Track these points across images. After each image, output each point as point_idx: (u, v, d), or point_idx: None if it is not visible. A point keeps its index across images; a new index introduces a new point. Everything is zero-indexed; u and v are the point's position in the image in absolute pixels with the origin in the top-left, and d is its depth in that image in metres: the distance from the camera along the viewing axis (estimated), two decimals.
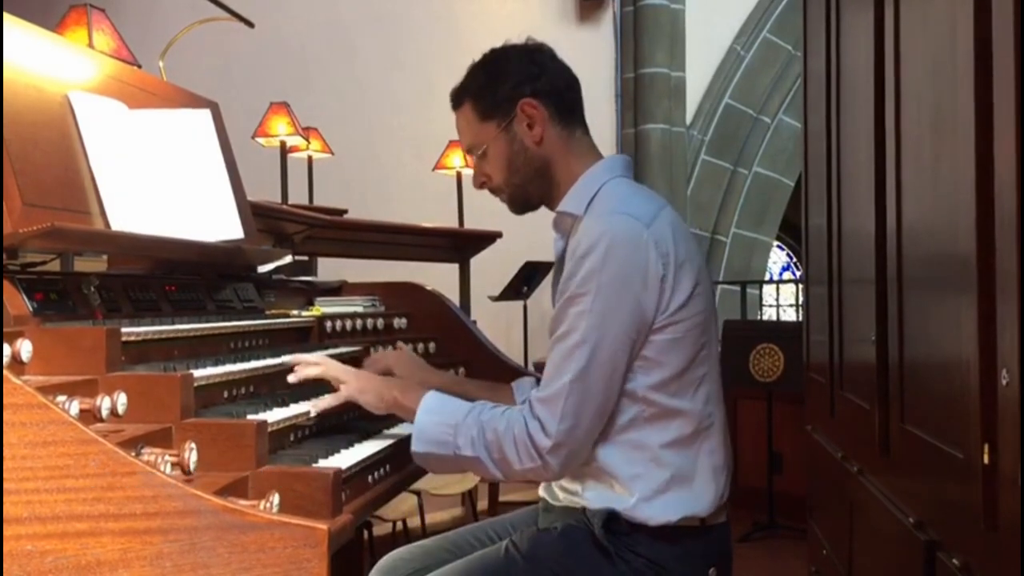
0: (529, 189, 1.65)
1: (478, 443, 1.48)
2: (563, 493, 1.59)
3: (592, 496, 1.53)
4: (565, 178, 1.63)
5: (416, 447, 1.51)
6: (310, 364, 1.59)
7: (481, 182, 1.69)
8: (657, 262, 1.46)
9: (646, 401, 1.50)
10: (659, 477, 1.50)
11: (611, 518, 1.50)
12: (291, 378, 1.57)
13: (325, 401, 1.55)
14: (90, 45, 2.23)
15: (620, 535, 1.51)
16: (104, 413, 1.10)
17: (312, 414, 1.52)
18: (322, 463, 1.35)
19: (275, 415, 1.40)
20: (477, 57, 1.68)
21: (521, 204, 1.69)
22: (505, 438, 1.47)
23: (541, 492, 1.67)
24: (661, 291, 1.46)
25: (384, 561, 1.75)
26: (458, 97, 1.67)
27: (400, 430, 1.66)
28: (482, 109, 1.63)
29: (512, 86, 1.61)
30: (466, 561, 1.60)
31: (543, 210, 1.71)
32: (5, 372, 0.91)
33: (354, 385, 1.58)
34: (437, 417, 1.51)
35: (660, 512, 1.50)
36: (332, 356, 1.78)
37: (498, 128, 1.62)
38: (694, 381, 1.53)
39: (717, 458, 1.56)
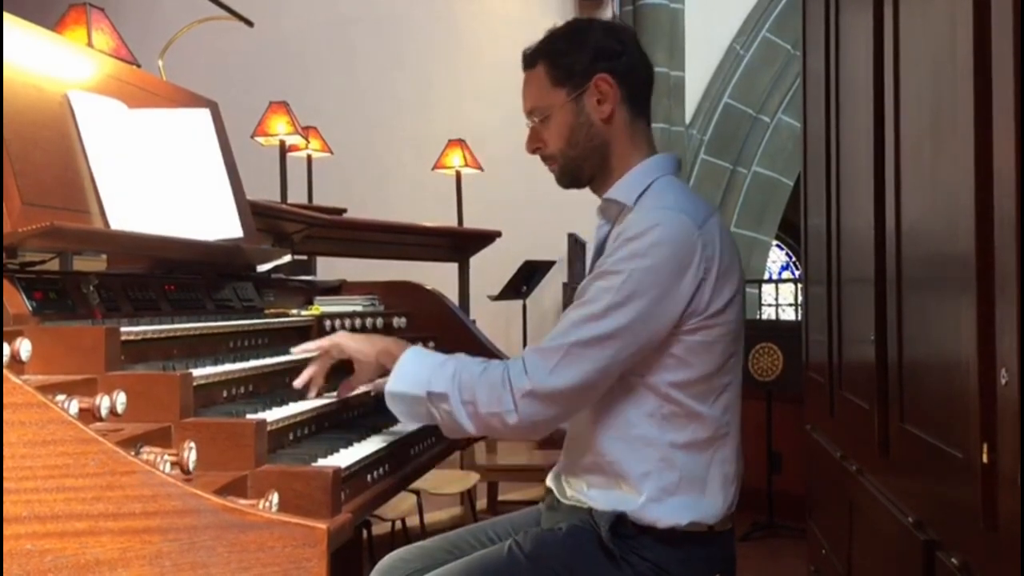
0: (584, 165, 1.63)
1: (452, 381, 1.49)
2: (571, 490, 1.59)
3: (600, 496, 1.54)
4: (620, 164, 1.61)
5: (390, 386, 1.53)
6: (307, 350, 1.63)
7: (535, 147, 1.66)
8: (700, 265, 1.45)
9: (667, 398, 1.50)
10: (668, 478, 1.50)
11: (618, 521, 1.50)
12: (297, 383, 1.58)
13: (314, 343, 1.63)
14: (89, 44, 2.23)
15: (626, 538, 1.50)
16: (103, 412, 1.10)
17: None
18: (321, 462, 1.35)
19: (274, 414, 1.40)
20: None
21: (571, 178, 1.66)
22: (479, 381, 1.47)
23: (549, 482, 1.67)
24: (696, 293, 1.46)
25: (384, 561, 1.75)
26: (532, 58, 1.65)
27: (399, 428, 1.67)
28: (556, 74, 1.61)
29: (591, 58, 1.59)
30: (468, 561, 1.60)
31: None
32: (5, 371, 0.91)
33: (344, 334, 1.65)
34: (419, 360, 1.54)
35: (669, 514, 1.50)
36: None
37: (568, 96, 1.60)
38: (717, 388, 1.53)
39: (729, 468, 1.56)
